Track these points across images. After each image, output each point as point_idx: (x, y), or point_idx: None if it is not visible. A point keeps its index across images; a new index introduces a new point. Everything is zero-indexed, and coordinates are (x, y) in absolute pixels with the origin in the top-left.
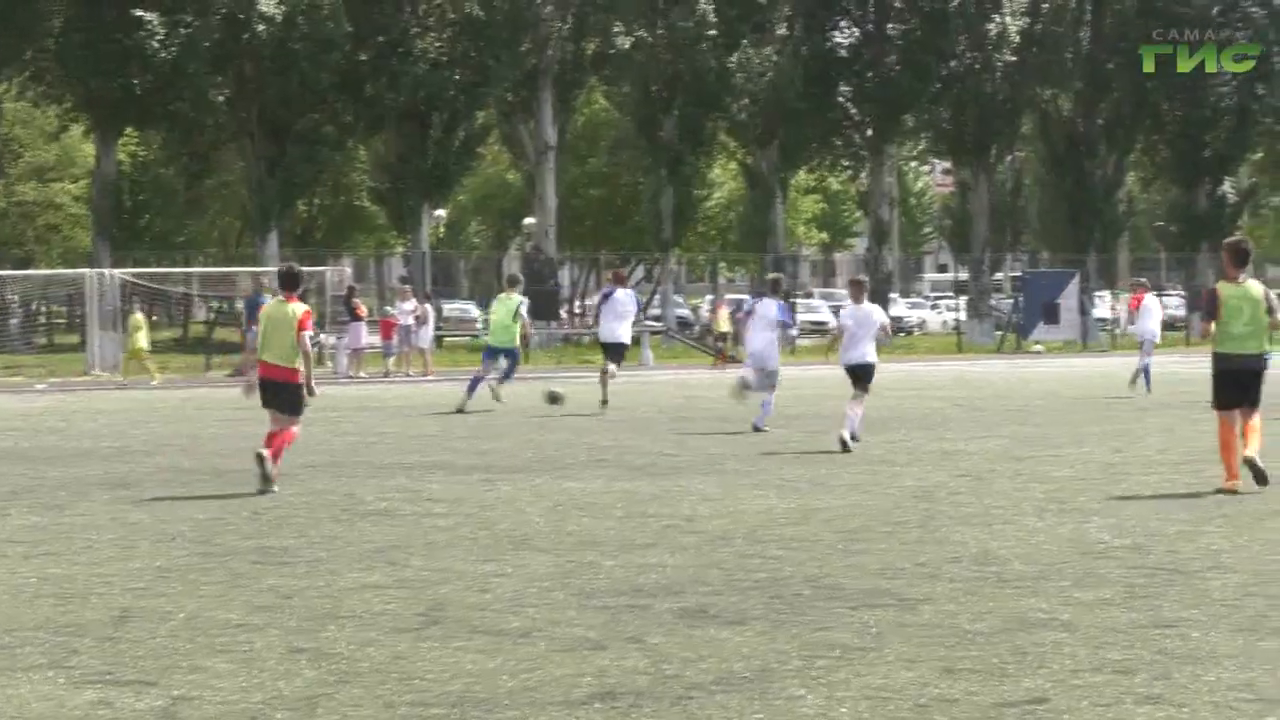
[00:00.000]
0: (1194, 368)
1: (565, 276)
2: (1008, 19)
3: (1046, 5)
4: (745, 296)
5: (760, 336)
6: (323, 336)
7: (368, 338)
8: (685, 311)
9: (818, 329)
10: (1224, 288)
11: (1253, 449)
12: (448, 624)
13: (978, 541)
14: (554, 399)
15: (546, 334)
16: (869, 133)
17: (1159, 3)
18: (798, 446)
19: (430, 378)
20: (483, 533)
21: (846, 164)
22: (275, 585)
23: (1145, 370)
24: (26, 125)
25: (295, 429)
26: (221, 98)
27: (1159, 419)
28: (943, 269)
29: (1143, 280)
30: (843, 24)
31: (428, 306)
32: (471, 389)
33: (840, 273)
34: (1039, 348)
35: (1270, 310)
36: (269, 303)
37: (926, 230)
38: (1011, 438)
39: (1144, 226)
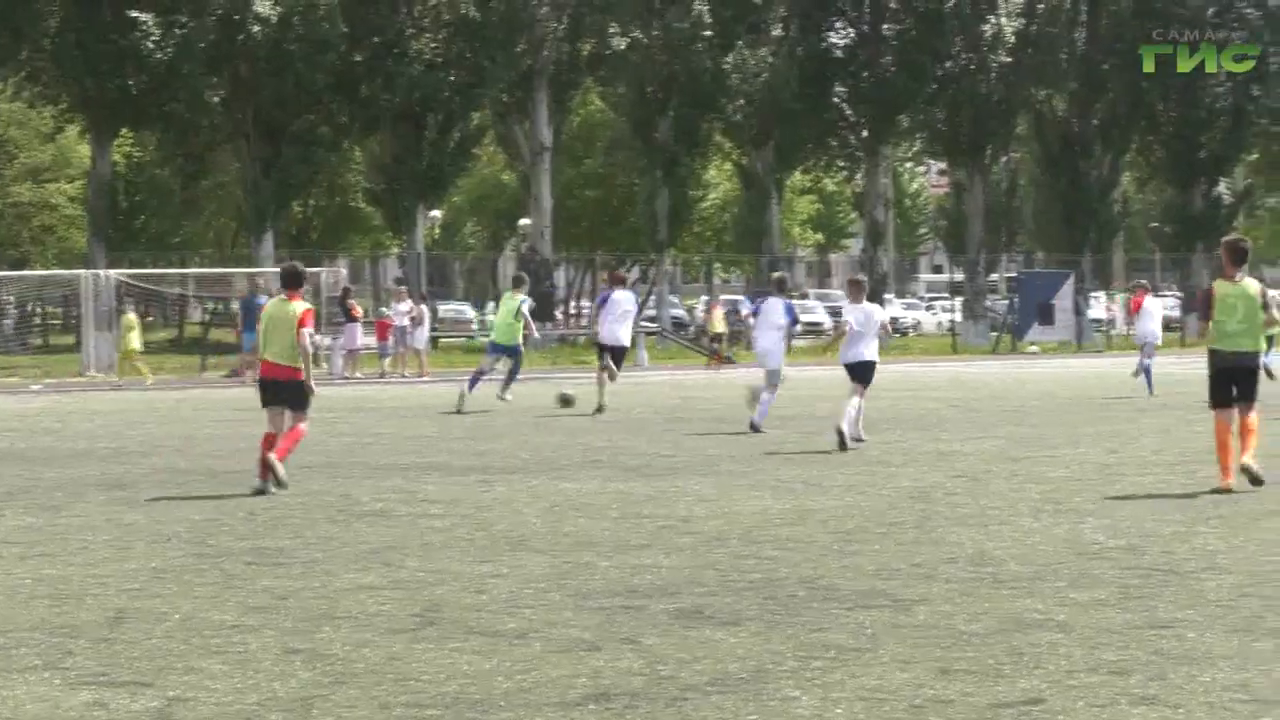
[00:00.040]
0: (1189, 368)
1: (561, 277)
2: (1003, 20)
3: (1042, 6)
4: (740, 297)
5: (767, 335)
6: (318, 337)
7: (363, 339)
8: (680, 312)
9: (812, 330)
10: (1220, 285)
11: (1249, 455)
12: (443, 625)
13: (973, 542)
14: (566, 401)
15: (542, 335)
16: (864, 133)
17: (1156, 4)
18: (793, 447)
19: (426, 379)
20: (479, 534)
21: (842, 165)
22: (270, 586)
23: (1147, 371)
24: (22, 126)
25: (304, 426)
26: (217, 99)
27: (1154, 420)
28: (938, 270)
29: (1143, 282)
30: (838, 25)
31: (423, 307)
32: (472, 384)
33: (835, 273)
34: (1034, 348)
35: (1265, 306)
36: (271, 301)
37: (922, 231)
38: (1007, 438)
39: (1139, 227)
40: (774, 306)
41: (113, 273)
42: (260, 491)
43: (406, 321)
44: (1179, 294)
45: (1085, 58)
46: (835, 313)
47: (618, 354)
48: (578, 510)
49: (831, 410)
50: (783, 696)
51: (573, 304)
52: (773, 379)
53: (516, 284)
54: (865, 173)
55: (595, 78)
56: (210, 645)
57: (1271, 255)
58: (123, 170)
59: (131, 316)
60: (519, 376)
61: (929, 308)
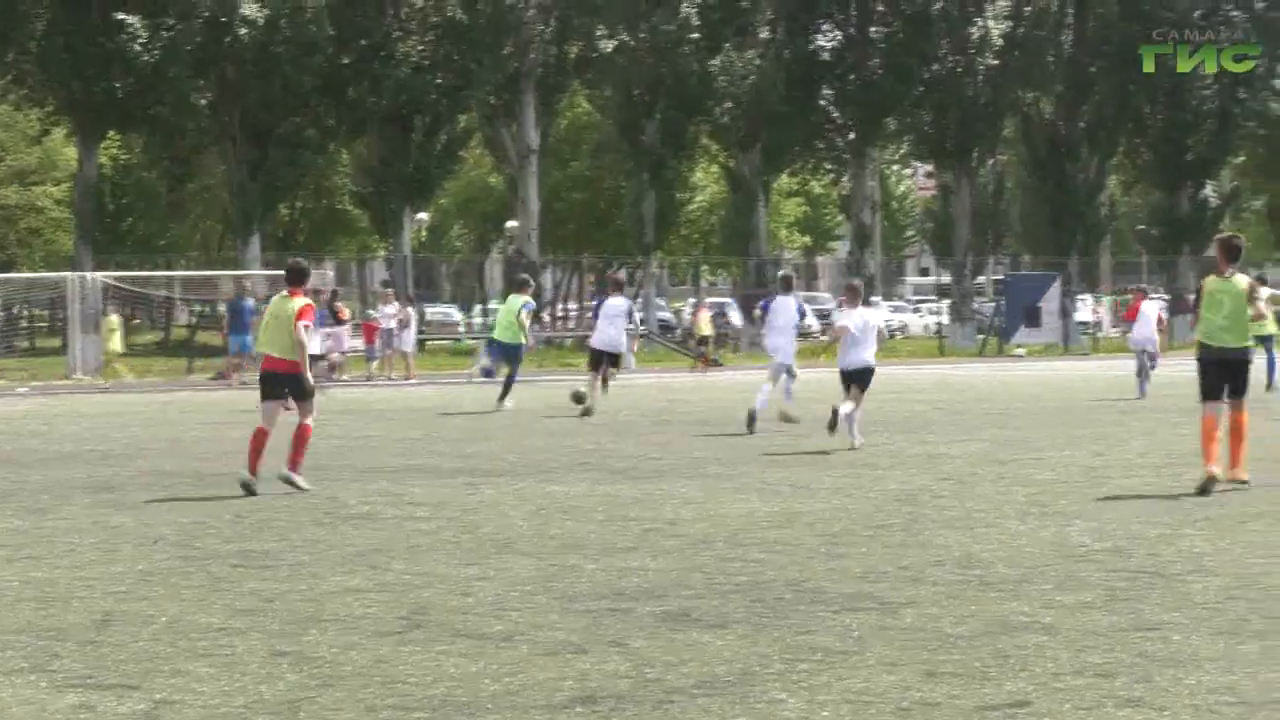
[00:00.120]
0: (1176, 371)
1: (548, 280)
2: (990, 22)
3: (1029, 9)
4: (728, 299)
5: (778, 333)
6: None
7: (350, 341)
8: (667, 315)
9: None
10: (1210, 281)
11: (1239, 468)
12: (430, 628)
13: (960, 545)
14: (580, 399)
15: (533, 338)
16: (851, 136)
17: (1144, 6)
18: (780, 449)
19: (412, 381)
20: (465, 536)
21: (829, 167)
22: (257, 589)
23: (1139, 372)
24: (8, 129)
25: (309, 422)
26: (203, 101)
27: (1141, 422)
28: (925, 272)
29: (1141, 286)
30: (825, 27)
31: (410, 310)
32: (487, 374)
33: (822, 276)
34: (1021, 351)
35: (1252, 301)
36: (274, 299)
37: (909, 234)
38: (994, 441)
39: (1126, 230)
40: (783, 305)
41: (99, 275)
42: (245, 483)
43: (393, 324)
44: (1165, 296)
45: (1072, 60)
46: (822, 315)
47: (611, 359)
48: (564, 513)
49: (820, 412)
50: (769, 699)
51: (559, 307)
52: (779, 370)
53: (521, 286)
54: (852, 175)
55: (582, 80)
56: (197, 648)
57: (1259, 257)
58: (109, 173)
59: (113, 318)
60: (517, 378)
61: (916, 310)
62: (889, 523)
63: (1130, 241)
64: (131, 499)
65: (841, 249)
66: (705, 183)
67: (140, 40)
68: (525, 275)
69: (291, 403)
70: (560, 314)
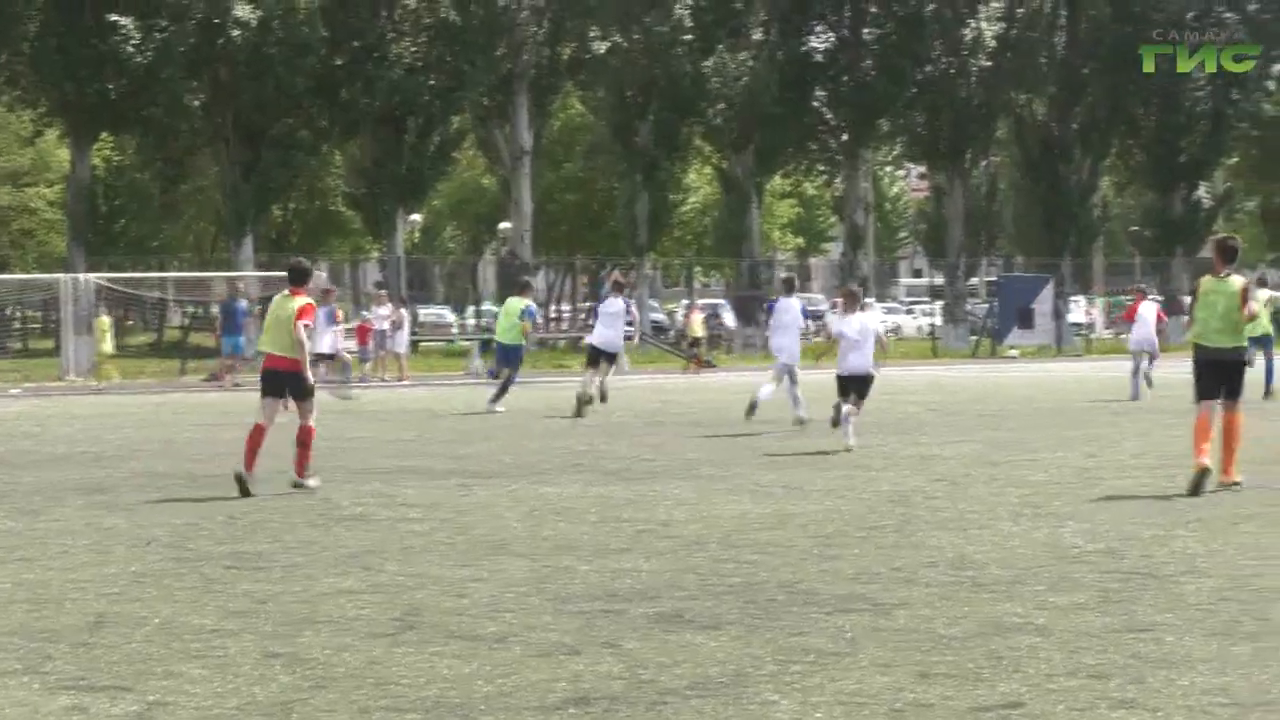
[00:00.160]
0: (1169, 372)
1: (541, 281)
2: (983, 24)
3: (1021, 10)
4: (721, 301)
5: (784, 334)
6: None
7: (343, 342)
8: (660, 316)
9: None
10: (1205, 281)
11: (1233, 470)
12: (423, 629)
13: (953, 546)
14: (589, 401)
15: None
16: (844, 137)
17: (1135, 8)
18: (773, 451)
19: (406, 382)
20: (459, 538)
21: (822, 169)
22: (250, 590)
23: (1134, 373)
24: (1, 130)
25: (310, 423)
26: (196, 103)
27: (1134, 423)
28: (918, 274)
29: (1140, 286)
30: (818, 29)
31: (403, 311)
32: (493, 374)
33: (815, 277)
34: (1014, 352)
35: (1244, 301)
36: (275, 298)
37: (902, 235)
38: (987, 442)
39: (1119, 231)
40: (787, 306)
41: (92, 277)
42: (239, 476)
43: (387, 325)
44: (1159, 297)
45: (1065, 62)
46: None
47: (609, 358)
48: (558, 514)
49: (821, 415)
50: (762, 700)
51: (553, 308)
52: (781, 372)
53: (523, 289)
54: (845, 177)
55: (575, 81)
56: (190, 650)
57: (1252, 259)
58: (102, 174)
59: (104, 319)
60: (516, 380)
61: (909, 312)
62: (882, 524)
63: (1123, 243)
64: (124, 500)
65: (834, 250)
66: (698, 184)
67: (133, 41)
68: (526, 278)
69: (291, 403)
70: (554, 315)
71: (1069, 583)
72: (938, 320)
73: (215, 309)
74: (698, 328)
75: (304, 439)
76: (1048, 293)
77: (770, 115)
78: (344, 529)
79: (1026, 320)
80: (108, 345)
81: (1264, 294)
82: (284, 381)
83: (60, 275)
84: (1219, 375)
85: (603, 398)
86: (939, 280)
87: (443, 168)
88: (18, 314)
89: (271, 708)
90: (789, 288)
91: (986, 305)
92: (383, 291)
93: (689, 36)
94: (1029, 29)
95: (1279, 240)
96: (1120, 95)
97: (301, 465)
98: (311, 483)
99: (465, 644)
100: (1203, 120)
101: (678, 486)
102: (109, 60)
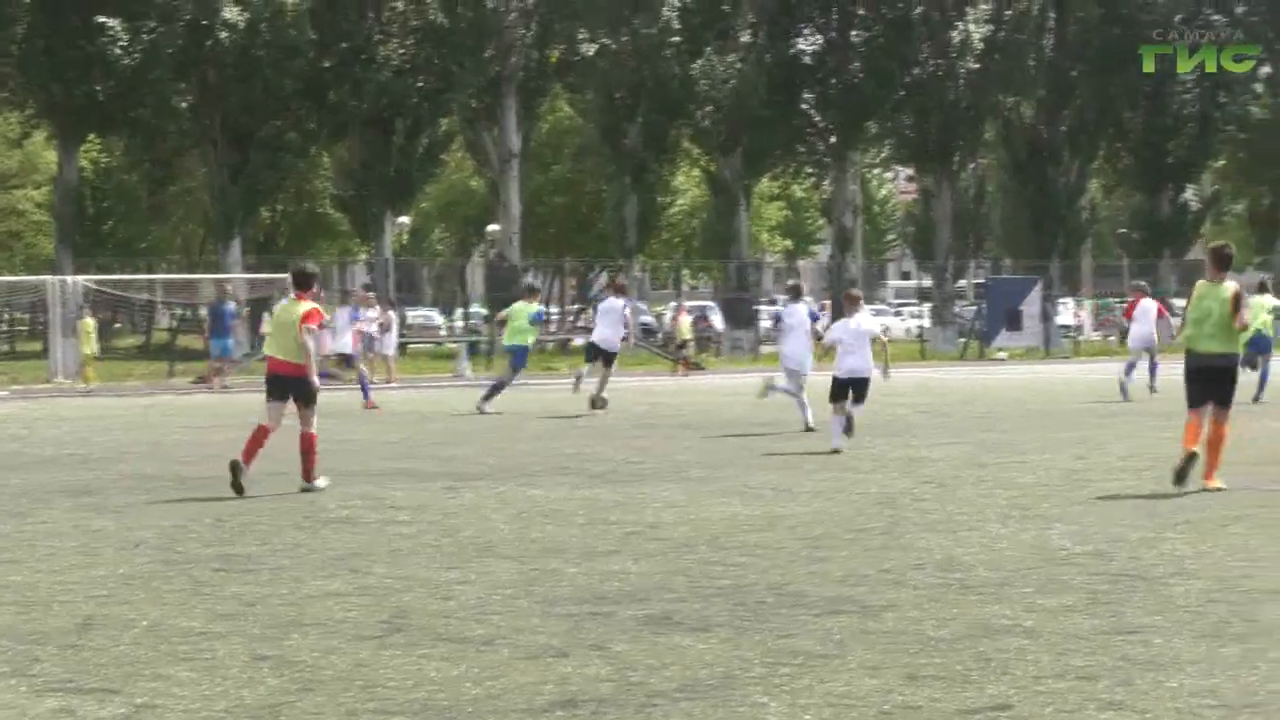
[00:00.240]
0: (1163, 375)
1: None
2: (971, 26)
3: (1009, 13)
4: (709, 303)
5: (794, 340)
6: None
7: (331, 345)
8: (649, 319)
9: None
10: (1199, 286)
11: (1214, 476)
12: (411, 632)
13: (942, 548)
14: (597, 404)
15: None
16: (832, 140)
17: (1123, 10)
18: (762, 453)
19: (394, 385)
20: (446, 540)
21: (810, 171)
22: (238, 593)
23: (1126, 372)
24: None
25: (312, 430)
26: (184, 104)
27: (1122, 425)
28: (906, 276)
29: (1140, 284)
30: (806, 31)
31: (391, 314)
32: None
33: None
34: (1002, 354)
35: (1236, 309)
36: (280, 303)
37: (890, 237)
38: (975, 444)
39: (1107, 233)
40: (794, 311)
41: (80, 279)
42: (235, 465)
43: (375, 328)
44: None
45: (1053, 64)
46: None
47: (607, 357)
48: (546, 517)
49: (821, 417)
50: (751, 703)
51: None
52: (794, 379)
53: (530, 293)
54: (833, 179)
55: (564, 84)
56: (178, 652)
57: (1239, 262)
58: (90, 176)
59: (88, 321)
60: (515, 382)
61: (897, 314)
62: (870, 526)
63: (1111, 245)
64: (112, 503)
65: (823, 253)
66: (686, 186)
67: (121, 43)
68: (532, 282)
69: (293, 407)
70: (543, 317)
71: (1057, 585)
72: (926, 322)
73: (203, 311)
74: (686, 330)
75: (306, 447)
76: (1036, 295)
77: (758, 117)
78: (331, 531)
79: (1014, 322)
80: (91, 347)
81: (1270, 301)
82: (287, 386)
83: (48, 277)
84: (1209, 383)
85: (592, 404)
86: (927, 282)
87: (431, 170)
88: (5, 316)
89: (259, 710)
90: (796, 294)
91: (975, 307)
92: (371, 294)
93: (677, 39)
94: (1017, 31)
95: (1267, 243)
96: (1108, 98)
97: (308, 471)
98: (320, 483)
99: (453, 646)
100: (1190, 123)
101: (666, 489)
102: (97, 62)
